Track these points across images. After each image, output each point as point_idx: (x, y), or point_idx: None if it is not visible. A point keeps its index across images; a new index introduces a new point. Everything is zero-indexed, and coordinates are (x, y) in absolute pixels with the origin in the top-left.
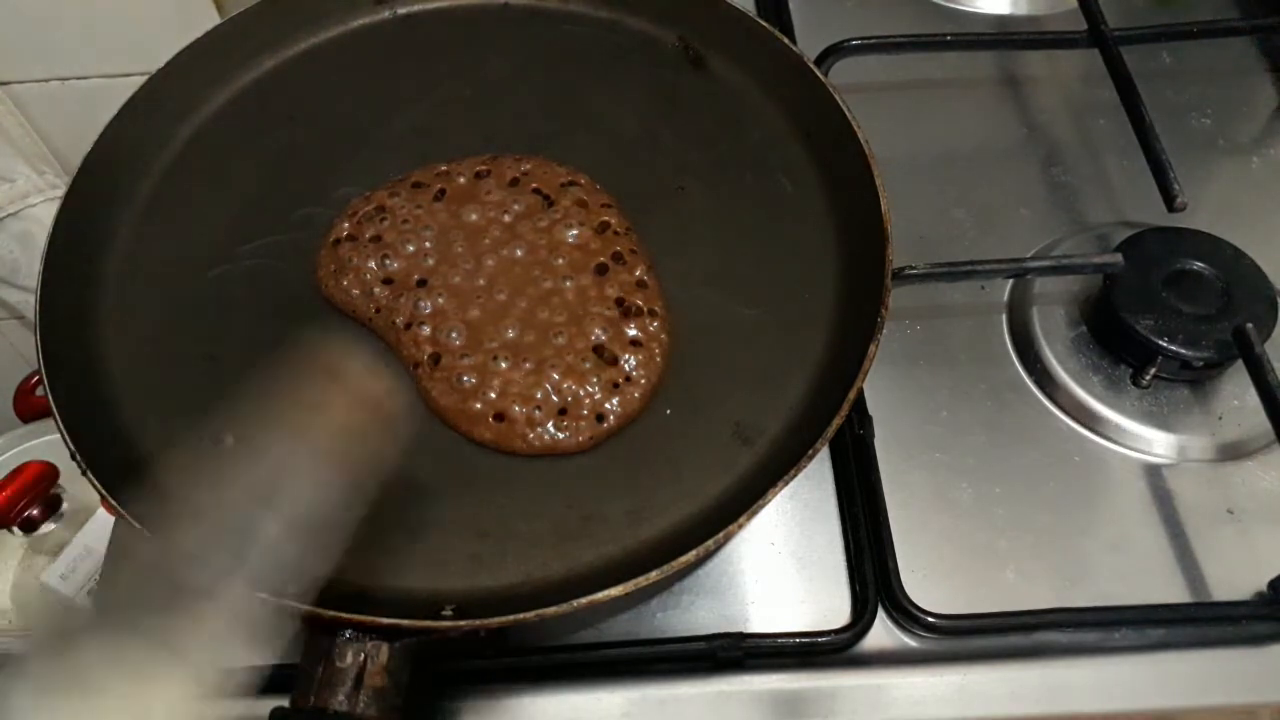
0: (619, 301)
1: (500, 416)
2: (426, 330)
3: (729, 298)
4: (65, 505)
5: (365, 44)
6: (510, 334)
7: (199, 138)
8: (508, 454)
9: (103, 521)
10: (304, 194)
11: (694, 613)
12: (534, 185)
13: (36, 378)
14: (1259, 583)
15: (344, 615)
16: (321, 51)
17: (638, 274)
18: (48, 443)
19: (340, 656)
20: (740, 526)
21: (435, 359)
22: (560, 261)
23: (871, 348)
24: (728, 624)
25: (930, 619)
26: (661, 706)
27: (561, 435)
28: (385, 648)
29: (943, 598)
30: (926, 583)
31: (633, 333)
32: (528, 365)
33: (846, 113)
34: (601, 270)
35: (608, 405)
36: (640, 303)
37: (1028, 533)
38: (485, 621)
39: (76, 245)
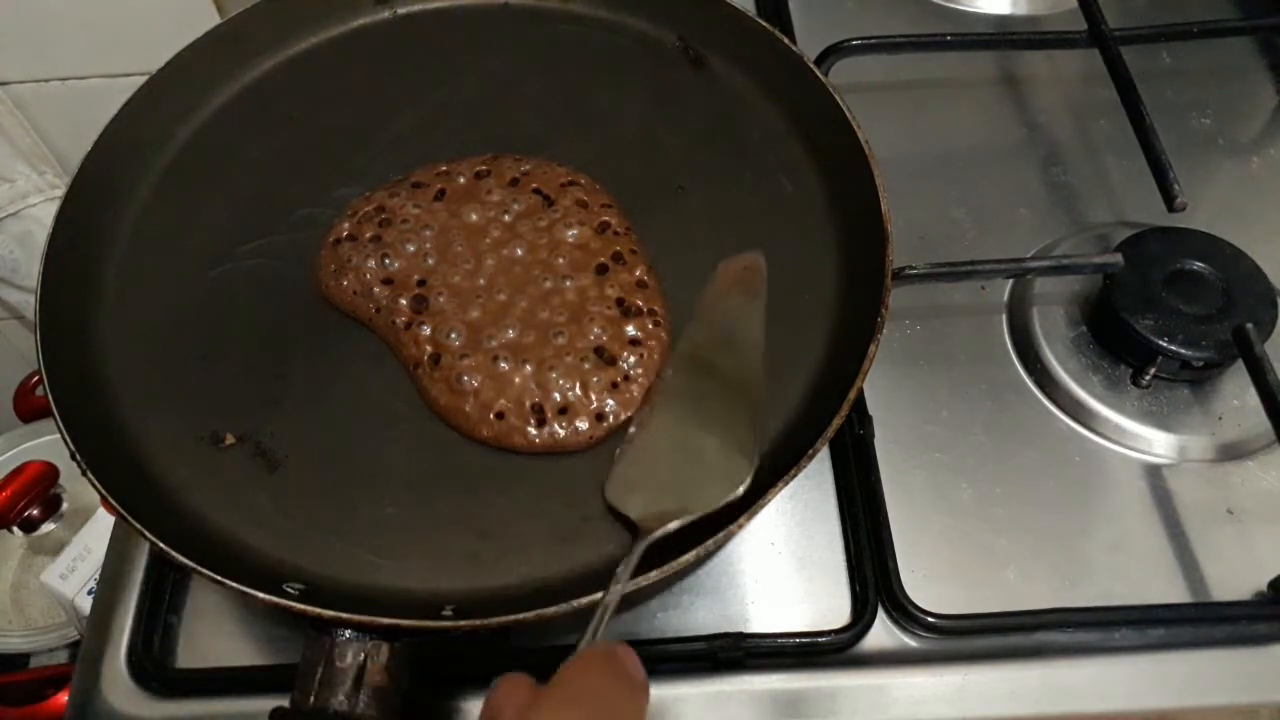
0: (619, 301)
1: (500, 416)
2: (426, 330)
3: None
4: (65, 505)
5: (366, 44)
6: (510, 334)
7: (200, 137)
8: (508, 454)
9: (103, 521)
10: (304, 194)
11: (694, 613)
12: (534, 185)
13: (36, 378)
14: (1259, 583)
15: (344, 615)
16: (322, 51)
17: (638, 274)
18: (48, 443)
19: (340, 656)
20: (740, 527)
21: (435, 359)
22: (560, 261)
23: (871, 348)
24: (728, 624)
25: (930, 619)
26: (661, 706)
27: (562, 434)
28: (385, 648)
29: (943, 598)
30: (926, 583)
31: (632, 332)
32: (528, 365)
33: (847, 113)
34: (602, 270)
35: (608, 404)
36: (640, 303)
37: (1028, 533)
38: (484, 622)
39: (76, 245)
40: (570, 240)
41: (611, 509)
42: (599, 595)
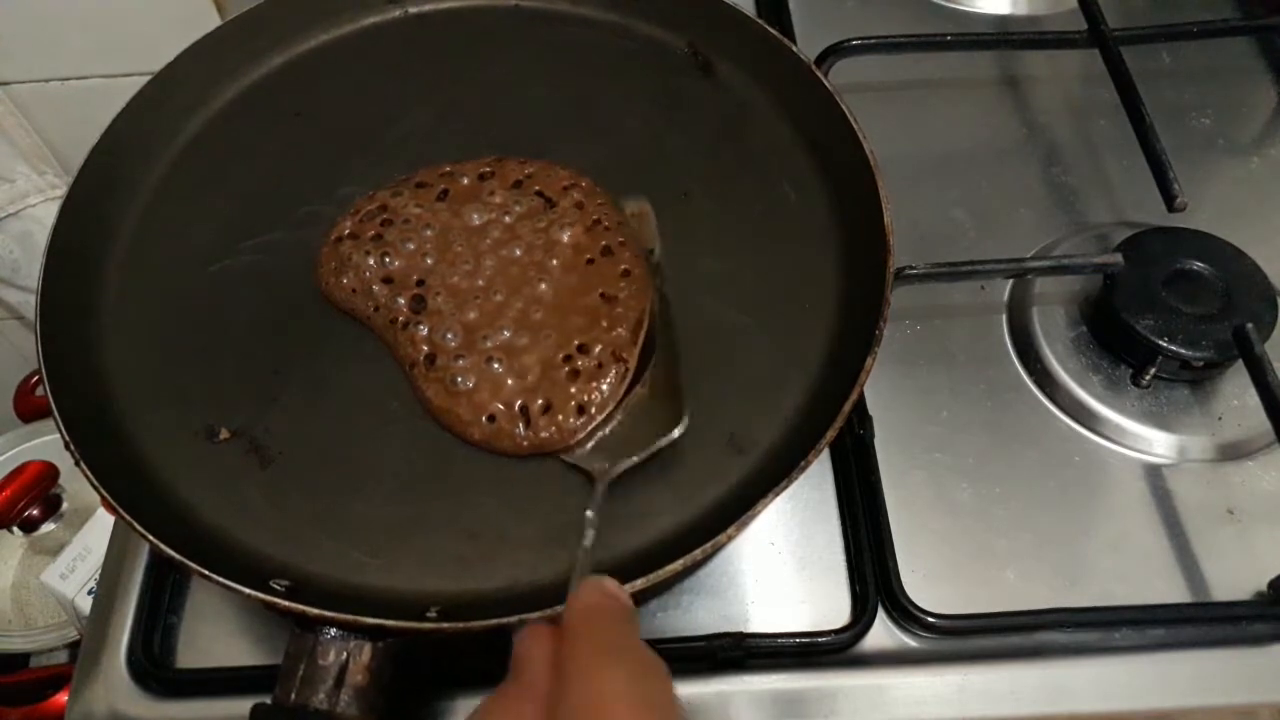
0: (602, 295)
1: (491, 418)
2: (423, 330)
3: (729, 306)
4: (65, 505)
5: (376, 42)
6: (505, 335)
7: (207, 133)
8: (500, 456)
9: (103, 521)
10: (308, 191)
11: (694, 613)
12: (536, 188)
13: (36, 378)
14: (1259, 583)
15: (327, 613)
16: (332, 49)
17: (622, 267)
18: (48, 443)
19: (323, 654)
20: (729, 538)
21: (431, 359)
22: (555, 262)
23: (869, 360)
24: (728, 624)
25: (930, 619)
26: None
27: (545, 434)
28: (368, 647)
29: (943, 598)
30: (926, 583)
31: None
32: (520, 367)
33: (853, 123)
34: (589, 264)
35: (588, 399)
36: (621, 293)
37: (1028, 533)
38: (468, 625)
39: (80, 237)
40: (565, 240)
41: (568, 464)
42: None
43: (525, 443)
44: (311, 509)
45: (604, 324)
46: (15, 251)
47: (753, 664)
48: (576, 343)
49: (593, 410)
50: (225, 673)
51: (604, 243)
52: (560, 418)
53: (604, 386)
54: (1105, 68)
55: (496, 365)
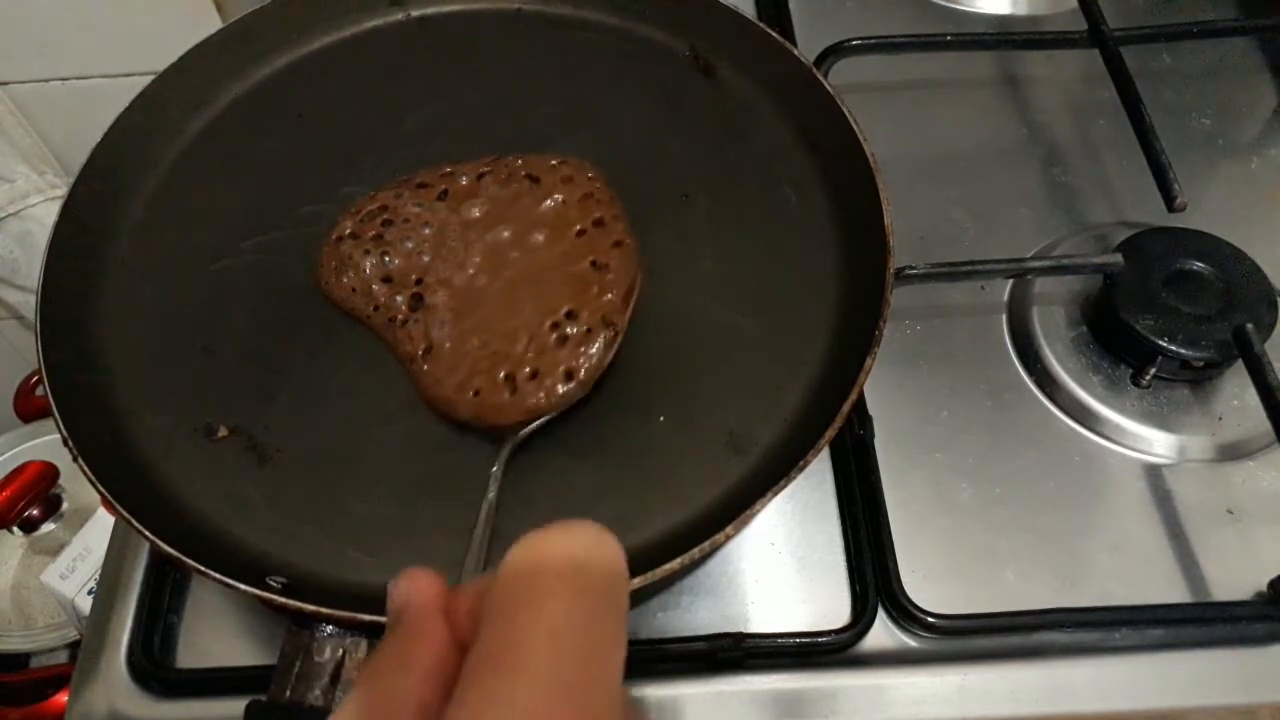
0: (593, 264)
1: (477, 392)
2: (421, 326)
3: (729, 307)
4: (65, 505)
5: (378, 45)
6: (498, 322)
7: (209, 132)
8: (493, 429)
9: (103, 521)
10: (310, 191)
11: (694, 613)
12: (525, 172)
13: (36, 378)
14: (1259, 583)
15: (323, 610)
16: (335, 51)
17: (614, 239)
18: (48, 443)
19: (319, 651)
20: (728, 537)
21: (428, 351)
22: (541, 236)
23: (868, 361)
24: (728, 624)
25: (930, 619)
26: (661, 706)
27: (534, 400)
28: (364, 644)
29: (943, 598)
30: (926, 583)
31: (598, 291)
32: (508, 337)
33: (853, 124)
34: (580, 235)
35: (576, 364)
36: (611, 262)
37: (1028, 533)
38: None
39: (81, 234)
40: (553, 214)
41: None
42: None
43: (513, 410)
44: (309, 507)
45: (594, 290)
46: (15, 251)
47: (753, 664)
48: (565, 309)
49: (581, 375)
50: (225, 672)
51: (597, 215)
52: (549, 383)
53: (593, 351)
54: (1105, 68)
55: (486, 341)
